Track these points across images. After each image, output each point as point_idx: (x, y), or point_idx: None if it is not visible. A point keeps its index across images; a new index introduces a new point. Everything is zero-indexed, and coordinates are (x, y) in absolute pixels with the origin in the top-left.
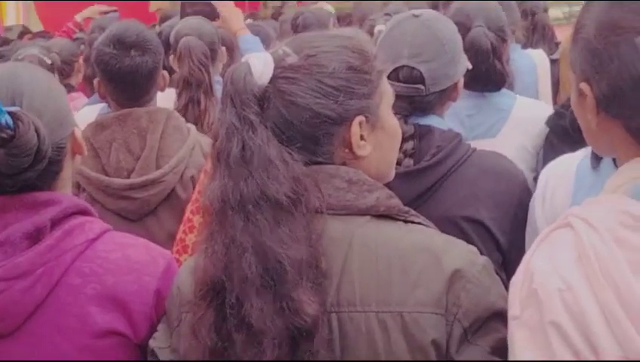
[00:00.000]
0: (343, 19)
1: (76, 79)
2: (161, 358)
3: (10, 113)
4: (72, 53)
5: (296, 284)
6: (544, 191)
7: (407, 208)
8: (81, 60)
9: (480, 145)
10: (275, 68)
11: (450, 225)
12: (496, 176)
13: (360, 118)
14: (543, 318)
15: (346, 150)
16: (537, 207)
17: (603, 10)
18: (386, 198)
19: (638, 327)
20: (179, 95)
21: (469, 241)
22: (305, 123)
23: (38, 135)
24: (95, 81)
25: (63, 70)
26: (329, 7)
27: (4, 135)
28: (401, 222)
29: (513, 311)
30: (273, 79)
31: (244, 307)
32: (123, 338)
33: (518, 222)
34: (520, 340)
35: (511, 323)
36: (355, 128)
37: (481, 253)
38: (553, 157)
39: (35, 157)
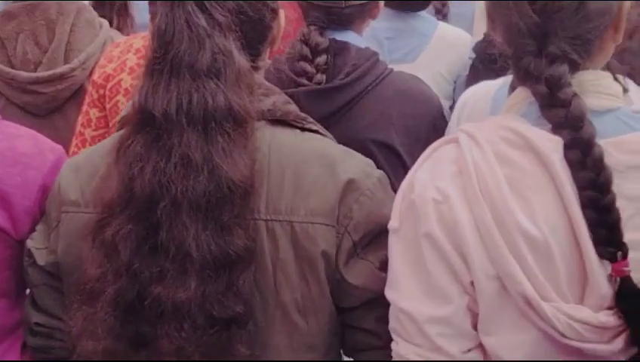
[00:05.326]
0: None
1: None
2: (38, 259)
3: None
4: None
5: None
6: (460, 117)
7: (304, 115)
8: None
9: (398, 69)
10: None
11: (360, 148)
12: (411, 98)
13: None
14: (418, 230)
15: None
16: (452, 132)
17: None
18: (282, 103)
19: (509, 242)
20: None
21: (377, 166)
22: (260, 17)
23: None
24: None
25: None
26: None
27: None
28: (297, 130)
29: (393, 222)
30: None
31: (178, 229)
32: (2, 233)
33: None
34: (396, 253)
35: (391, 236)
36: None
37: (389, 178)
38: (475, 83)
39: None
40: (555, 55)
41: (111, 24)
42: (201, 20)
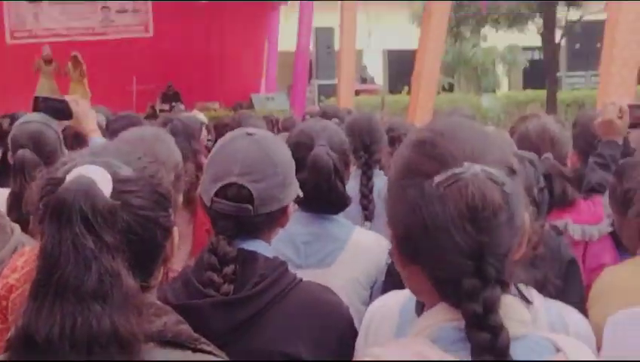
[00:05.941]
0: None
1: None
2: None
3: None
4: None
5: None
6: (367, 332)
7: (197, 335)
8: None
9: (315, 274)
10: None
11: (268, 361)
12: (319, 310)
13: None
14: None
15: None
16: (360, 347)
17: (403, 151)
18: (174, 324)
19: None
20: (8, 210)
21: None
22: (152, 237)
23: None
24: None
25: None
26: (201, 116)
27: None
28: (189, 351)
29: None
30: (114, 193)
31: None
32: None
33: (338, 359)
34: None
35: None
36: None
37: None
38: (392, 289)
39: None
40: (491, 276)
41: (27, 224)
42: (89, 242)
